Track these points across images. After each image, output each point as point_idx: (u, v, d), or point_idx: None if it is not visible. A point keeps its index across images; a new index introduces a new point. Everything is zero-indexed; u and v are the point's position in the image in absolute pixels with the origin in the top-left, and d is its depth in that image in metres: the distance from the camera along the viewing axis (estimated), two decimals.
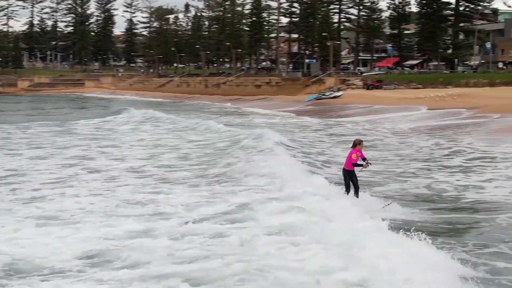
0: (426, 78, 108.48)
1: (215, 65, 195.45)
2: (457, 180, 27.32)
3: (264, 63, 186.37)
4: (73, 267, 14.68)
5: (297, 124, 64.26)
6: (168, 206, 21.16)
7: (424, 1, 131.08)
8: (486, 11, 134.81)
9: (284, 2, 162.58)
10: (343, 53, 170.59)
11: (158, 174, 29.35)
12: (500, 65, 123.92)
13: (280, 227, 16.86)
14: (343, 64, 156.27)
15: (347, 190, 21.30)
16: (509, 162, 31.71)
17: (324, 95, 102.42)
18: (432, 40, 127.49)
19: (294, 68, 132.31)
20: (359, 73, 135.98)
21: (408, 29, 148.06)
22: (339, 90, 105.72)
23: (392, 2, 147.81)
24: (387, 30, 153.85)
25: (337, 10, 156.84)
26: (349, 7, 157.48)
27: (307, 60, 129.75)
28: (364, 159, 21.32)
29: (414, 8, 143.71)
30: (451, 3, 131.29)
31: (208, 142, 43.59)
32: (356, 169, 21.32)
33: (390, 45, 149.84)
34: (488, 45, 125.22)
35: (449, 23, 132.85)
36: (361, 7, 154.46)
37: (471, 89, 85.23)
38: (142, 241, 16.65)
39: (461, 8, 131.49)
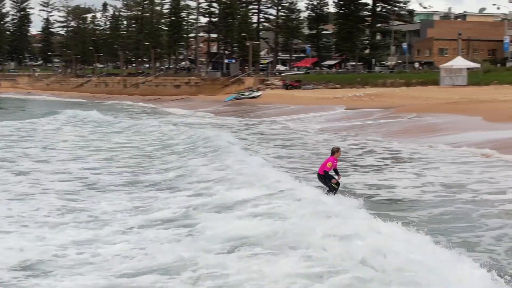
0: (344, 78, 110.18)
1: (134, 65, 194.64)
2: (372, 178, 28.00)
3: (183, 63, 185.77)
4: (12, 279, 13.94)
5: (216, 124, 64.38)
6: (105, 213, 20.54)
7: (341, 2, 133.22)
8: (403, 12, 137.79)
9: (203, 2, 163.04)
10: (262, 53, 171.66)
11: (87, 177, 28.44)
12: (416, 65, 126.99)
13: (246, 234, 16.37)
14: (262, 64, 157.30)
15: (333, 191, 21.39)
16: (415, 162, 32.45)
17: (243, 95, 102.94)
18: (349, 40, 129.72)
19: (214, 68, 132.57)
20: (278, 73, 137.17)
21: (326, 30, 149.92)
22: (258, 90, 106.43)
23: (311, 2, 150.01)
24: (306, 31, 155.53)
25: (256, 10, 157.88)
26: (268, 7, 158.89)
27: (226, 60, 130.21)
28: (336, 171, 21.59)
29: (332, 9, 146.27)
30: (368, 4, 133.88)
31: (135, 144, 43.50)
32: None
33: (309, 45, 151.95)
34: (405, 45, 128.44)
35: (367, 23, 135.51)
36: (279, 8, 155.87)
37: (388, 89, 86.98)
38: (84, 250, 15.95)
39: (378, 9, 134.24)
